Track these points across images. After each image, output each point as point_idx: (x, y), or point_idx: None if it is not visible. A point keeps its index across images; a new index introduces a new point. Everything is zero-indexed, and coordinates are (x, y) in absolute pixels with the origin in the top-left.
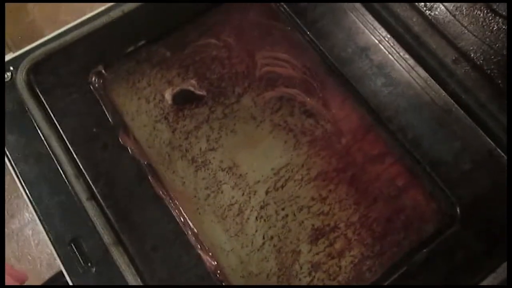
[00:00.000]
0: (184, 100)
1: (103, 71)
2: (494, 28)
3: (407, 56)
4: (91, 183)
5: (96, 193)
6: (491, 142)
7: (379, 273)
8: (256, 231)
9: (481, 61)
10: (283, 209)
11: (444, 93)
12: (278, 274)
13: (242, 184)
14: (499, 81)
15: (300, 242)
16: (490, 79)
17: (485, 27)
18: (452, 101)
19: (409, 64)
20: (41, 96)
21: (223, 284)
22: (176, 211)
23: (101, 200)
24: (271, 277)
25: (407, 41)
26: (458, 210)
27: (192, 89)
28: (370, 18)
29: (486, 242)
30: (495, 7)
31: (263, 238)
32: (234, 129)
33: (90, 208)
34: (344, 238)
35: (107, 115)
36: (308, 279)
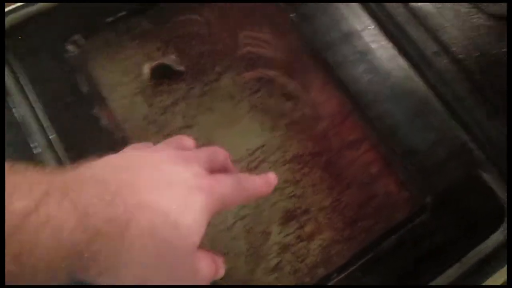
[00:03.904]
0: (162, 75)
1: (80, 40)
2: (476, 24)
3: (389, 45)
4: (61, 155)
5: (67, 165)
6: (466, 135)
7: (347, 257)
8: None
9: (461, 56)
10: None
11: (423, 84)
12: (246, 254)
13: None
14: (477, 76)
15: (271, 223)
16: (468, 74)
17: (467, 22)
18: (430, 92)
19: (390, 54)
20: (13, 62)
21: None
22: None
23: None
24: (239, 256)
25: (390, 30)
26: (429, 200)
27: (171, 64)
28: (354, 4)
29: (455, 232)
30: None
31: (234, 217)
32: (212, 107)
33: None
34: (314, 221)
35: (82, 85)
36: (276, 260)
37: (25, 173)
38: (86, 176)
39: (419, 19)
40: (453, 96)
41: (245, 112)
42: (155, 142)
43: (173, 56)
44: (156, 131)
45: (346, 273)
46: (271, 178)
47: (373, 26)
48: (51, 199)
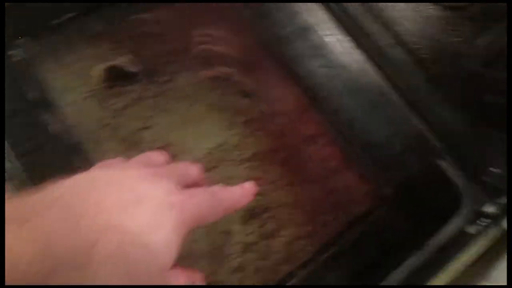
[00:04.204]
0: (115, 77)
1: (27, 44)
2: (429, 14)
3: (344, 39)
4: (11, 165)
5: (17, 174)
6: (422, 124)
7: (310, 252)
8: None
9: (415, 46)
10: None
11: (379, 77)
12: (208, 255)
13: None
14: (431, 66)
15: (232, 223)
16: (422, 64)
17: (419, 13)
18: (386, 84)
19: (346, 47)
20: None
21: None
22: None
23: None
24: (201, 257)
25: (345, 23)
26: (387, 192)
27: (124, 65)
28: None
29: (413, 222)
30: None
31: None
32: (168, 108)
33: (9, 190)
34: (276, 218)
35: (31, 91)
36: (239, 259)
37: None
38: (49, 199)
39: (374, 12)
40: (408, 87)
41: (202, 111)
42: (110, 147)
43: (126, 58)
44: (110, 135)
45: (310, 268)
46: (248, 187)
47: (328, 20)
48: (8, 228)
